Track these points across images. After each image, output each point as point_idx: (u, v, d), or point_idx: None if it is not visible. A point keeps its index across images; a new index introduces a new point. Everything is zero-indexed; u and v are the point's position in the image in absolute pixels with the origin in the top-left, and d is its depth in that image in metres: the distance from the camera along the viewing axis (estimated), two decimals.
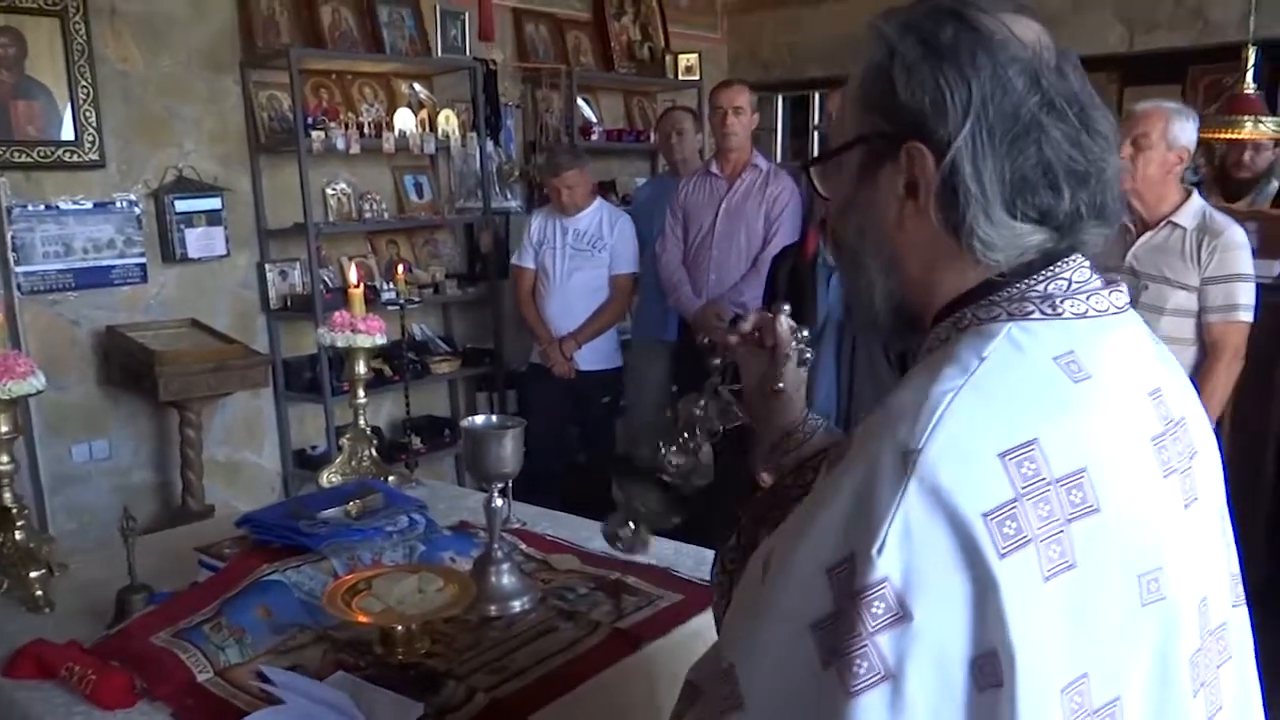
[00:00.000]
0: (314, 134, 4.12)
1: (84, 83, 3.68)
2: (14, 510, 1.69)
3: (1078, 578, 0.73)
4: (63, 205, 3.72)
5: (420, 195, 4.88)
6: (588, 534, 2.07)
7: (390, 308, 4.44)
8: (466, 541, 1.90)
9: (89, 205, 3.79)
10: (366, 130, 4.37)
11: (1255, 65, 3.78)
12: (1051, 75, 0.79)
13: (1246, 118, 3.70)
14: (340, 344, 2.18)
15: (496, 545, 1.72)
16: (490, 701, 1.40)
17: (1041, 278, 0.80)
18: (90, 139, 3.73)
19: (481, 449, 1.67)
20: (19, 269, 3.64)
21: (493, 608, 1.68)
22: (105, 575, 1.73)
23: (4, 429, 1.66)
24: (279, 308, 4.33)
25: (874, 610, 0.71)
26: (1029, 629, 0.71)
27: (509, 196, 5.14)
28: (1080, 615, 0.74)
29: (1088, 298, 0.81)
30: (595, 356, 4.26)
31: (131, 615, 1.59)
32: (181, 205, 3.98)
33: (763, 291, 3.59)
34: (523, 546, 1.97)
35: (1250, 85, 3.77)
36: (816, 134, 6.43)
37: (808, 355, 1.15)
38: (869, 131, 0.83)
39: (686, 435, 1.15)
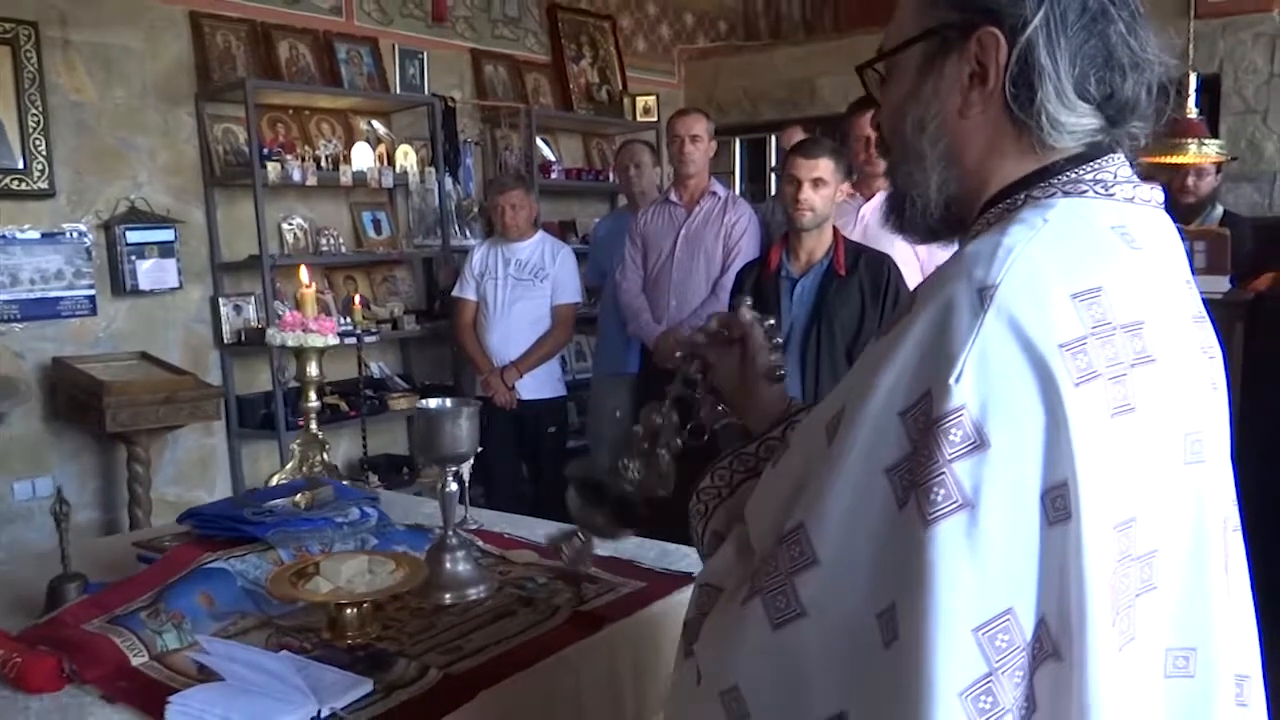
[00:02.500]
0: (270, 165, 4.09)
1: (34, 111, 3.64)
2: None
3: (1136, 421, 0.77)
4: (9, 234, 3.65)
5: (379, 231, 4.85)
6: (547, 533, 2.02)
7: (347, 340, 4.40)
8: (421, 536, 1.83)
9: (37, 235, 3.72)
10: (324, 164, 4.35)
11: (1196, 91, 3.89)
12: None
13: (1190, 141, 3.79)
14: (291, 343, 2.12)
15: (451, 532, 1.67)
16: (443, 678, 1.33)
17: (1090, 168, 0.85)
18: (40, 168, 3.67)
19: (435, 427, 1.62)
20: None
21: (447, 595, 1.62)
22: (38, 574, 1.65)
23: None
24: (233, 342, 4.25)
25: (951, 438, 0.72)
26: (1094, 463, 0.73)
27: (468, 234, 5.13)
28: (1135, 458, 0.77)
29: (1133, 187, 0.85)
30: (537, 385, 4.22)
31: (64, 605, 1.51)
32: (133, 236, 3.91)
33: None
34: (479, 543, 1.91)
35: (1193, 110, 3.87)
36: (773, 175, 6.51)
37: (777, 341, 1.16)
38: (936, 24, 0.86)
39: (647, 445, 1.13)
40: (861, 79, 0.97)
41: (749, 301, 1.17)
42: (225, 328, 4.24)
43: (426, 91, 4.88)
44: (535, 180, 5.12)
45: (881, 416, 0.76)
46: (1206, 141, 3.79)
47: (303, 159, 4.25)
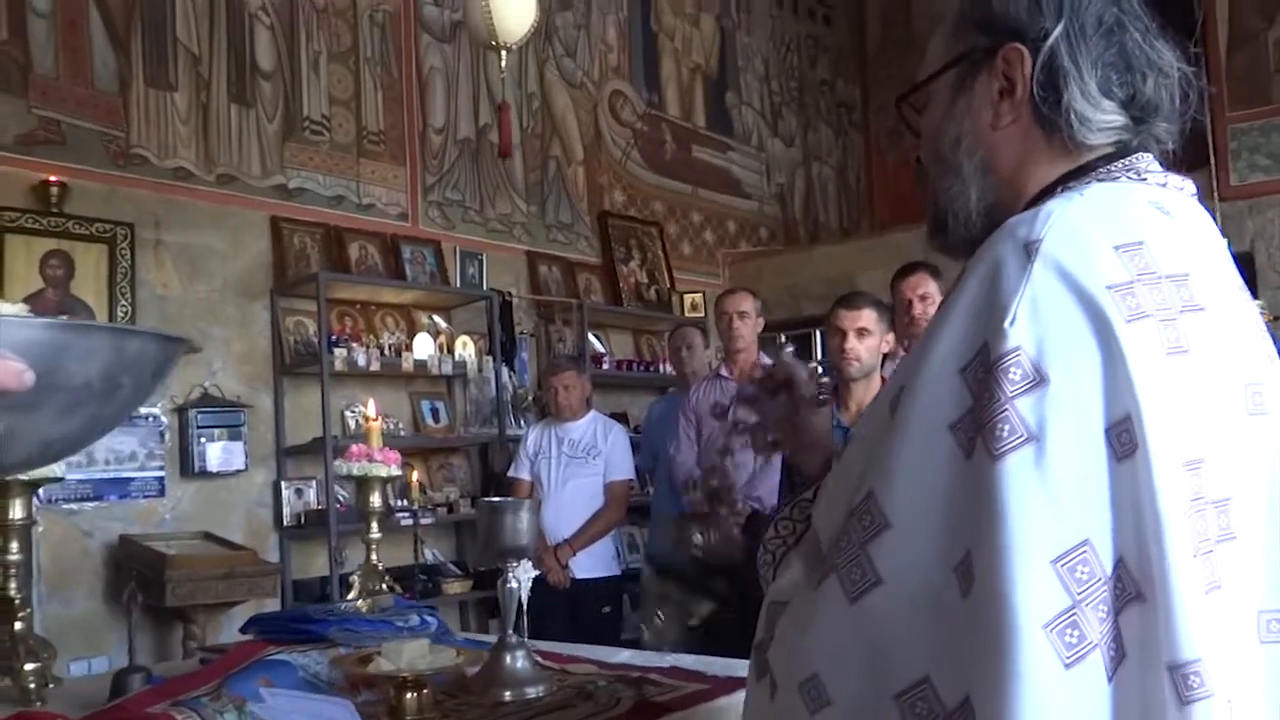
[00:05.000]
0: (336, 351, 4.29)
1: (124, 302, 3.91)
2: (17, 601, 1.65)
3: (1192, 362, 0.77)
4: None
5: (437, 420, 4.99)
6: (606, 655, 1.98)
7: (404, 521, 4.45)
8: (479, 645, 1.82)
9: None
10: (387, 351, 4.56)
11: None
12: None
13: None
14: (356, 473, 2.18)
15: (510, 629, 1.66)
16: None
17: (1122, 164, 0.89)
18: None
19: (497, 521, 1.65)
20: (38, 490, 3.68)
21: (507, 693, 1.59)
22: (101, 682, 1.66)
23: (18, 514, 1.65)
24: (292, 524, 4.31)
25: (1011, 376, 0.74)
26: (1156, 396, 0.74)
27: (523, 423, 5.25)
28: (1196, 399, 0.76)
29: (1165, 175, 0.90)
30: (593, 563, 4.19)
31: (128, 694, 1.51)
32: (204, 420, 4.08)
33: (779, 479, 3.61)
34: (539, 659, 1.88)
35: None
36: (820, 367, 6.63)
37: (821, 378, 1.22)
38: (965, 49, 0.95)
39: (709, 508, 1.17)
40: (900, 114, 1.05)
41: (791, 349, 1.23)
42: (286, 510, 4.32)
43: (485, 289, 5.15)
44: (588, 365, 5.29)
45: (942, 377, 0.78)
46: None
47: (367, 347, 4.47)
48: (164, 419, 4.03)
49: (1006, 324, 0.75)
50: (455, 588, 4.68)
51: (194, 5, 4.28)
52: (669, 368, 5.49)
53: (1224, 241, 0.91)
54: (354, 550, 4.30)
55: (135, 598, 1.51)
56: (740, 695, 1.62)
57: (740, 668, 1.80)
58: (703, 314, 6.08)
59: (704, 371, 4.69)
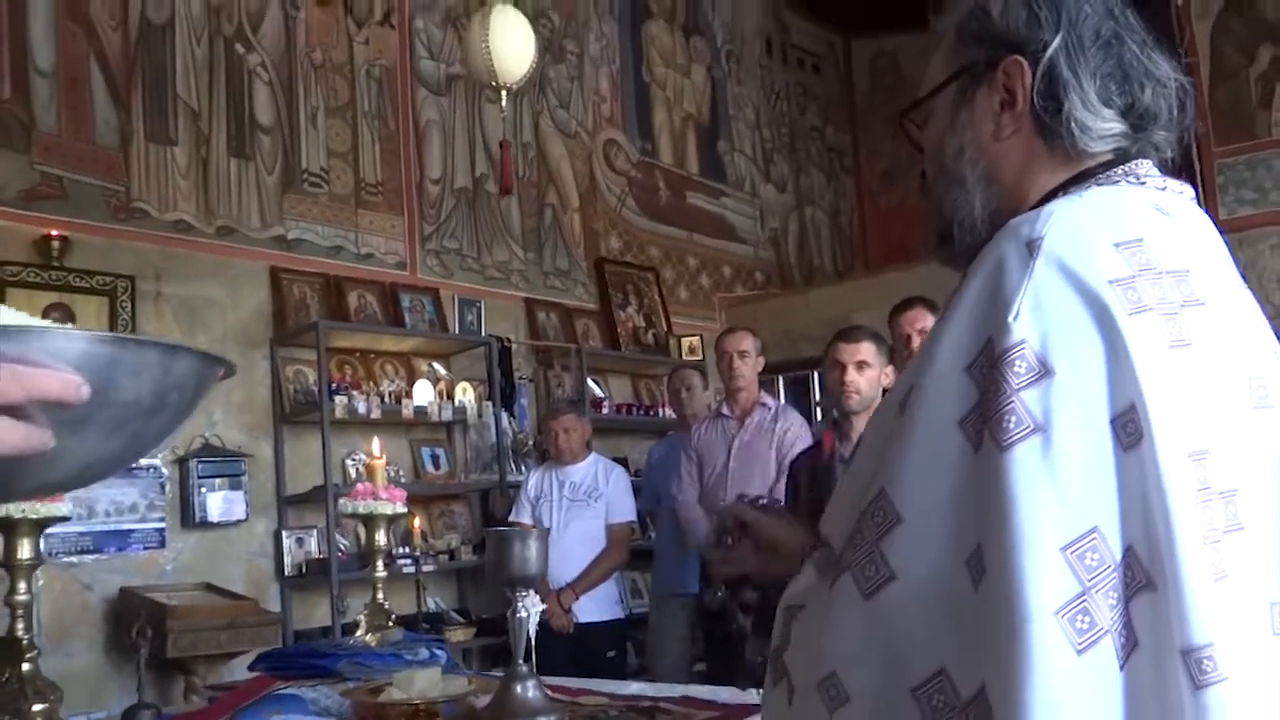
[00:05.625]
0: (337, 399, 4.30)
1: None
2: (24, 642, 1.64)
3: (1195, 356, 0.78)
4: None
5: (437, 466, 4.98)
6: (616, 688, 1.97)
7: (406, 569, 4.42)
8: (488, 678, 1.81)
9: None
10: (387, 399, 4.56)
11: None
12: (1119, 8, 0.94)
13: None
14: (362, 511, 2.18)
15: (521, 660, 1.65)
16: None
17: (1122, 170, 0.91)
18: None
19: (506, 550, 1.65)
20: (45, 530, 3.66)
21: None
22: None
23: (26, 554, 1.65)
24: (294, 574, 4.29)
25: (1016, 369, 0.75)
26: (1159, 388, 0.74)
27: (523, 469, 5.24)
28: (1199, 391, 0.77)
29: (1164, 179, 0.92)
30: (596, 607, 4.16)
31: None
32: (204, 470, 4.07)
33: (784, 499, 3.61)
34: (549, 692, 1.87)
35: None
36: (819, 409, 6.64)
37: (763, 502, 1.24)
38: (966, 63, 0.97)
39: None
40: (903, 130, 1.07)
41: (737, 496, 1.25)
42: (287, 560, 4.29)
43: (484, 335, 5.17)
44: (587, 410, 5.29)
45: (948, 374, 0.79)
46: None
47: (368, 395, 4.47)
48: (164, 470, 4.02)
49: (1010, 319, 0.76)
50: (459, 635, 4.64)
51: (194, 62, 4.35)
52: (668, 411, 5.50)
53: (1222, 241, 0.92)
54: (356, 600, 4.27)
55: (145, 633, 1.51)
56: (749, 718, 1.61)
57: (751, 696, 1.80)
58: (700, 357, 6.10)
59: (704, 413, 4.70)
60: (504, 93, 2.66)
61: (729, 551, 1.18)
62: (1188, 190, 0.93)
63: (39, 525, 1.66)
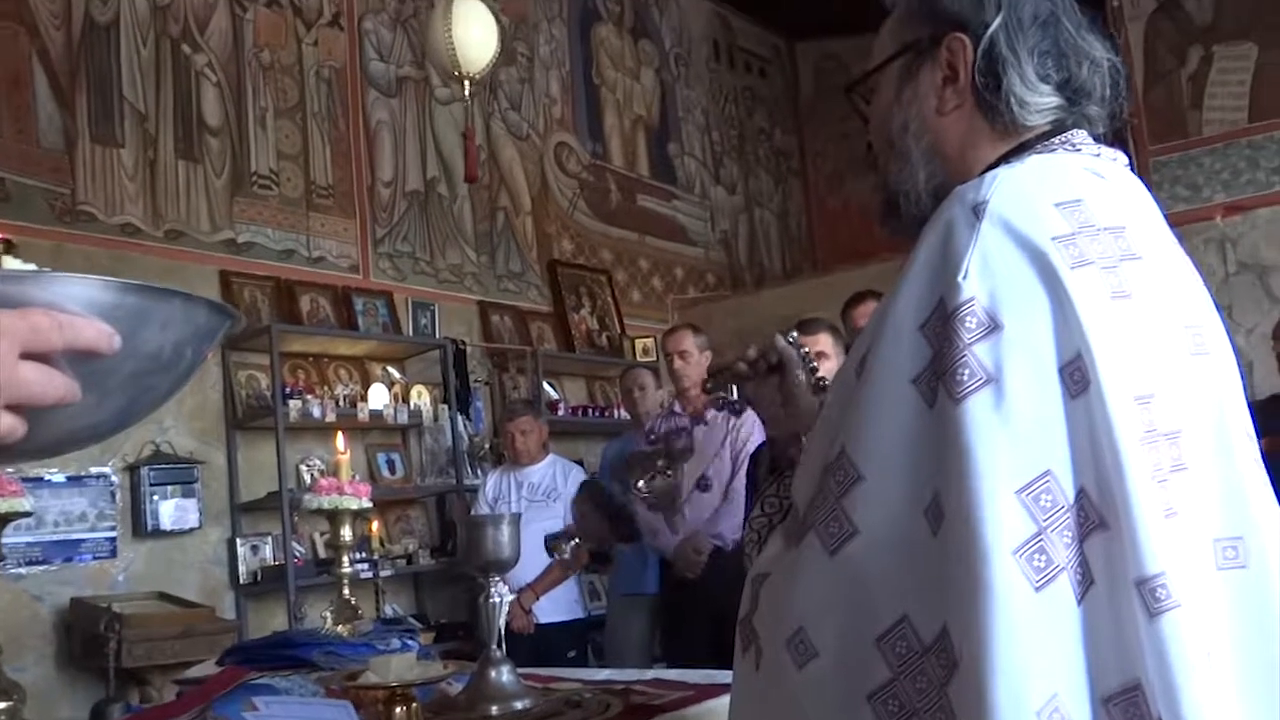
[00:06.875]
0: (291, 403, 4.26)
1: None
2: None
3: (1135, 306, 0.82)
4: (39, 477, 3.74)
5: (393, 471, 4.95)
6: (587, 675, 1.99)
7: (364, 574, 4.37)
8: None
9: (64, 478, 3.81)
10: (341, 403, 4.52)
11: None
12: None
13: None
14: (326, 506, 2.17)
15: (496, 645, 1.66)
16: None
17: (1059, 139, 0.96)
18: None
19: (478, 535, 1.66)
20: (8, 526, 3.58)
21: (494, 707, 1.59)
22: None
23: None
24: (249, 582, 4.23)
25: (968, 325, 0.79)
26: (1103, 336, 0.79)
27: (479, 473, 5.22)
28: (1143, 340, 0.81)
29: (1099, 147, 0.97)
30: (555, 608, 4.17)
31: None
32: (156, 478, 4.00)
33: (742, 518, 3.63)
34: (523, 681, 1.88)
35: None
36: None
37: (813, 364, 1.25)
38: (911, 39, 1.01)
39: (663, 463, 1.21)
40: (850, 100, 1.12)
41: (792, 335, 1.25)
42: (242, 568, 4.23)
43: (438, 338, 5.15)
44: (544, 412, 5.29)
45: (902, 334, 0.83)
46: None
47: (322, 399, 4.43)
48: (115, 478, 3.94)
49: (960, 278, 0.80)
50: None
51: (140, 62, 4.28)
52: (623, 413, 5.51)
53: (1155, 203, 0.97)
54: (313, 607, 4.22)
55: (113, 626, 1.49)
56: (722, 699, 1.64)
57: (722, 676, 1.82)
58: (654, 358, 6.12)
59: (657, 412, 4.73)
60: (466, 83, 2.66)
61: (755, 381, 1.19)
62: (1121, 157, 0.98)
63: (1, 521, 1.63)
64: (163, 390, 0.64)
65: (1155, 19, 5.65)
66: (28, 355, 0.53)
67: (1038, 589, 0.74)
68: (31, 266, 0.61)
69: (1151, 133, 5.47)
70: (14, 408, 0.53)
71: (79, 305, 0.54)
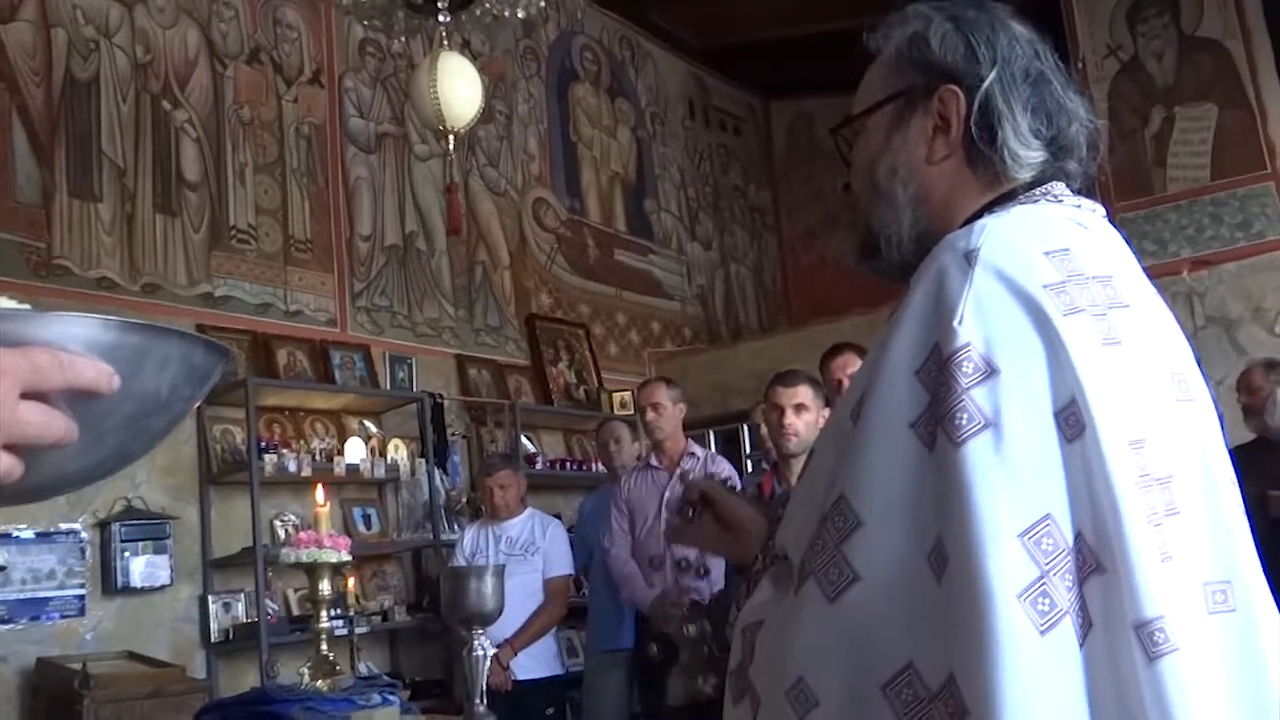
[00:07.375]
0: (266, 458, 4.22)
1: None
2: None
3: (1125, 353, 0.84)
4: (6, 533, 3.66)
5: (369, 526, 4.90)
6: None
7: (339, 632, 4.30)
8: None
9: (33, 535, 3.74)
10: (318, 457, 4.48)
11: None
12: (1044, 50, 1.02)
13: None
14: (305, 559, 2.15)
15: (479, 699, 1.64)
16: None
17: (1042, 190, 0.98)
18: None
19: (462, 587, 1.65)
20: None
21: None
22: None
23: None
24: (220, 640, 4.15)
25: (965, 369, 0.80)
26: (1097, 381, 0.80)
27: (456, 528, 5.17)
28: (1133, 386, 0.83)
29: (1079, 198, 0.99)
30: (534, 664, 4.11)
31: None
32: (127, 533, 3.94)
33: (720, 573, 3.62)
34: None
35: None
36: (749, 461, 6.71)
37: (732, 484, 1.26)
38: (904, 87, 1.03)
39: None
40: (835, 143, 1.13)
41: (693, 474, 1.26)
42: (213, 625, 4.15)
43: (415, 391, 5.13)
44: (521, 465, 5.26)
45: (898, 380, 0.84)
46: None
47: (298, 453, 4.39)
48: (85, 534, 3.88)
49: (955, 324, 0.81)
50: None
51: (120, 118, 4.30)
52: (601, 466, 5.49)
53: (1131, 252, 1.00)
54: (286, 666, 4.14)
55: (87, 683, 1.46)
56: None
57: None
58: (632, 412, 6.12)
59: (633, 464, 4.72)
60: (450, 137, 2.70)
61: (690, 523, 1.19)
62: (1100, 209, 1.00)
63: None
64: (158, 431, 0.64)
65: (1119, 81, 5.81)
66: (28, 395, 0.53)
67: (1043, 632, 0.75)
68: (28, 306, 0.61)
69: (1118, 189, 5.59)
70: (12, 447, 0.53)
71: (80, 345, 0.54)
